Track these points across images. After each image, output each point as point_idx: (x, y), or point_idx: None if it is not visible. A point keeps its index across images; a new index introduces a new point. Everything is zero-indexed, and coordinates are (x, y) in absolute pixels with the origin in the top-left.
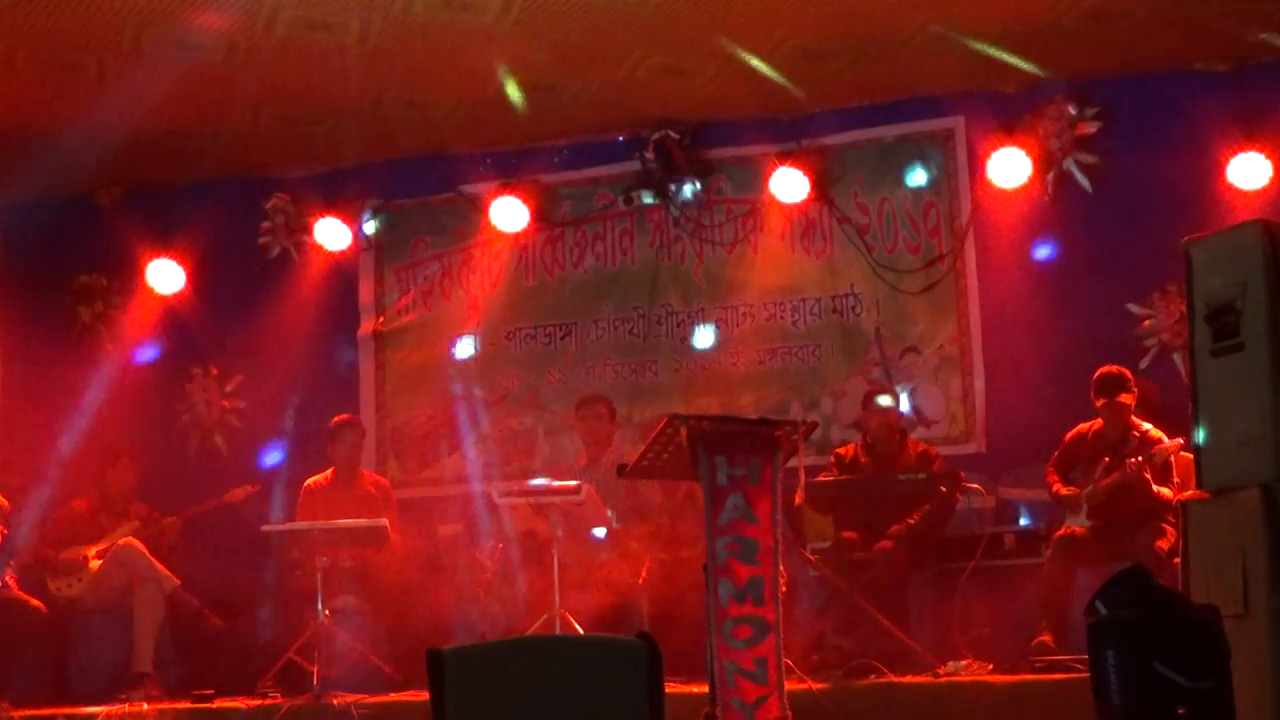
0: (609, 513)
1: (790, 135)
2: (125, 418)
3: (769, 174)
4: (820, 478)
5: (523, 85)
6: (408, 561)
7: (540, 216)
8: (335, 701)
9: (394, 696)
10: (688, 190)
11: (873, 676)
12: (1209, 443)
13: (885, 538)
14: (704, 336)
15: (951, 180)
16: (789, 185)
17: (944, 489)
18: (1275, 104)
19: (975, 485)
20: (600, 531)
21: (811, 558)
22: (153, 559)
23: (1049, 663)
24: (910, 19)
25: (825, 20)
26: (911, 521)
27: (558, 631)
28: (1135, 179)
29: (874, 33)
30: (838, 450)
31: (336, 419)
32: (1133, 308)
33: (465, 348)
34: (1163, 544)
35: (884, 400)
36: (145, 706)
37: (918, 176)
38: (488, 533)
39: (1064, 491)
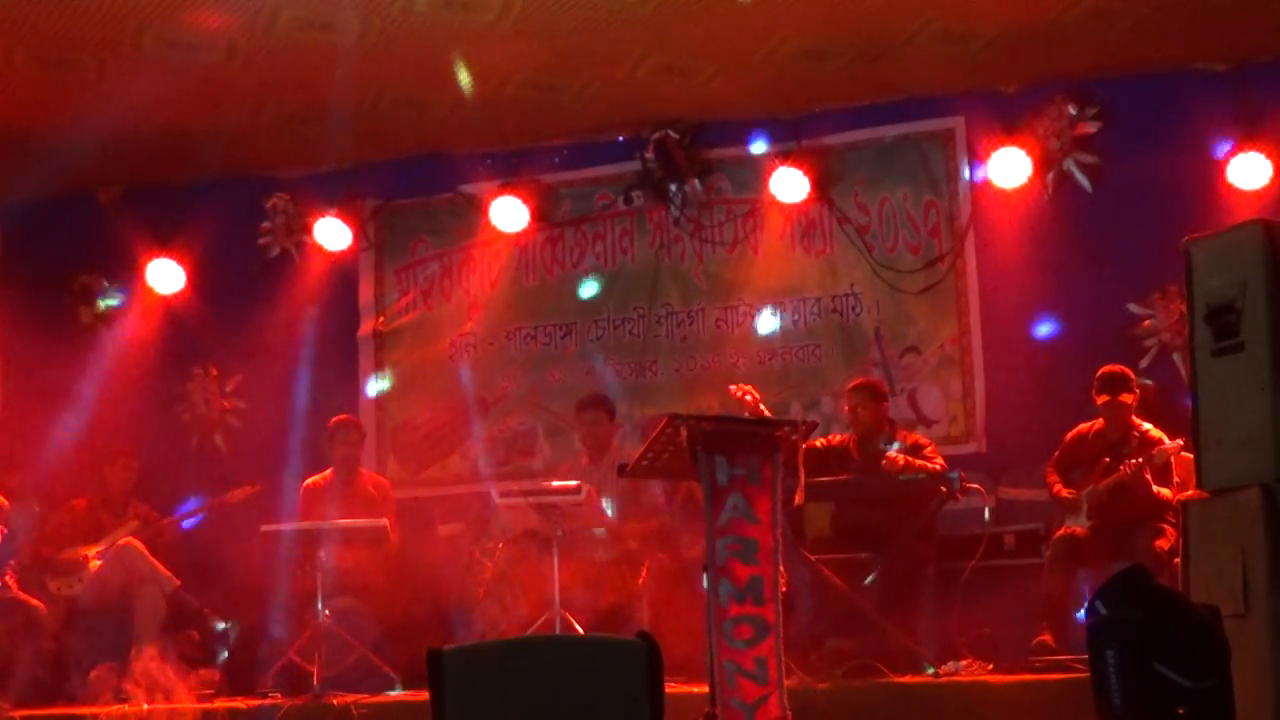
0: (607, 505)
1: (790, 135)
2: (125, 418)
3: (769, 174)
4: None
5: (522, 85)
6: (408, 561)
7: (540, 216)
8: (335, 701)
9: (394, 696)
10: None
11: (873, 676)
12: (1209, 443)
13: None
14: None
15: (951, 180)
16: (789, 185)
17: (944, 489)
18: (1275, 104)
19: (975, 485)
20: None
21: (811, 558)
22: (153, 559)
23: (1049, 663)
24: (910, 19)
25: (825, 20)
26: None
27: (558, 631)
28: (1135, 179)
29: (874, 33)
30: (830, 440)
31: (335, 419)
32: (1133, 308)
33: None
34: (1163, 544)
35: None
36: (145, 706)
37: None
38: (488, 533)
39: (1064, 494)
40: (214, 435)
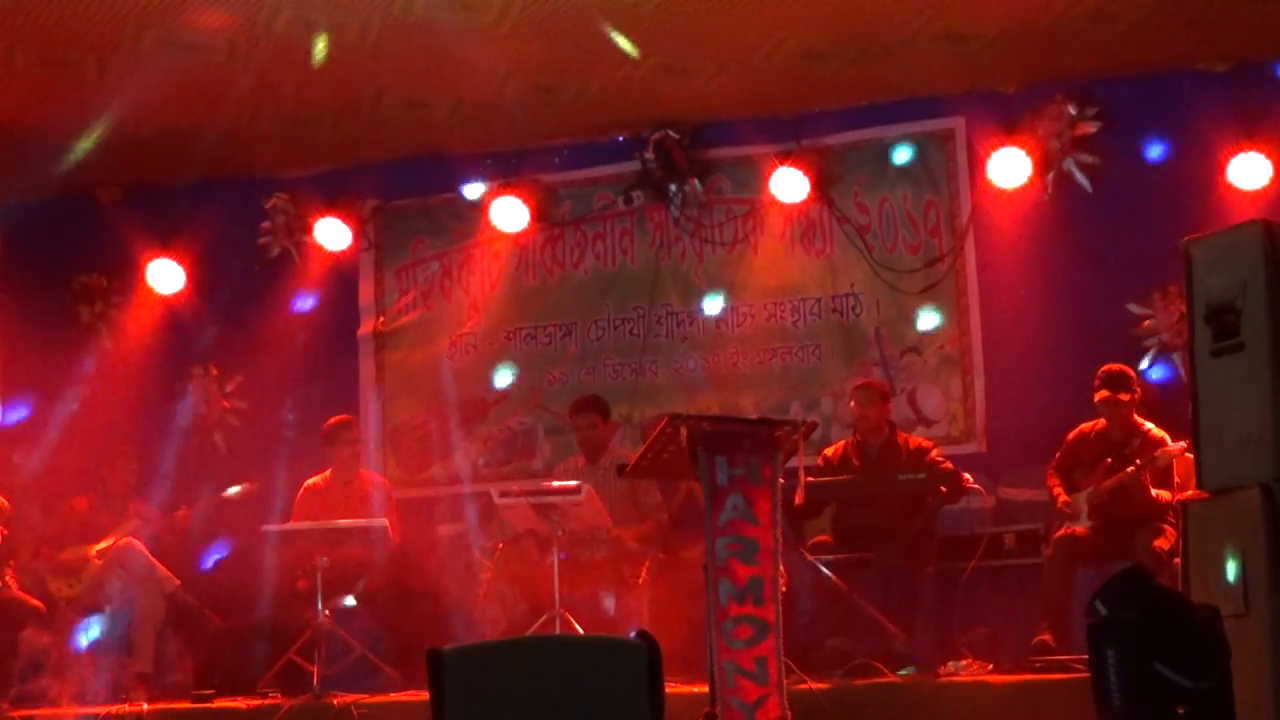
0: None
1: (790, 135)
2: (125, 418)
3: (769, 174)
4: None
5: (522, 85)
6: (408, 561)
7: (540, 216)
8: (335, 701)
9: (394, 696)
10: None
11: (873, 676)
12: (1209, 443)
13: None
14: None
15: (951, 180)
16: (789, 185)
17: (945, 489)
18: (1275, 104)
19: (976, 485)
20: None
21: (811, 557)
22: (153, 559)
23: (1049, 663)
24: (910, 19)
25: (825, 20)
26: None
27: (558, 631)
28: (1135, 179)
29: (874, 33)
30: (825, 453)
31: (332, 420)
32: (1133, 308)
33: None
34: (1163, 544)
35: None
36: (145, 706)
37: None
38: (488, 533)
39: (1062, 504)
40: (214, 435)
